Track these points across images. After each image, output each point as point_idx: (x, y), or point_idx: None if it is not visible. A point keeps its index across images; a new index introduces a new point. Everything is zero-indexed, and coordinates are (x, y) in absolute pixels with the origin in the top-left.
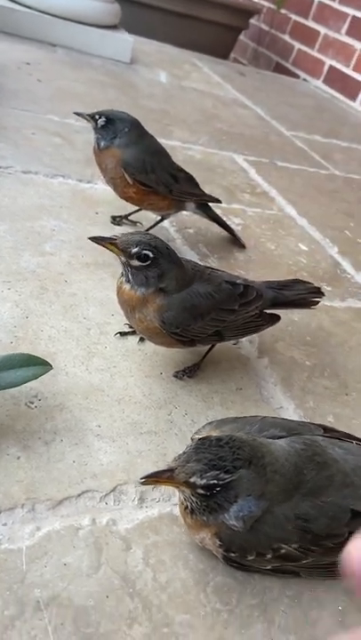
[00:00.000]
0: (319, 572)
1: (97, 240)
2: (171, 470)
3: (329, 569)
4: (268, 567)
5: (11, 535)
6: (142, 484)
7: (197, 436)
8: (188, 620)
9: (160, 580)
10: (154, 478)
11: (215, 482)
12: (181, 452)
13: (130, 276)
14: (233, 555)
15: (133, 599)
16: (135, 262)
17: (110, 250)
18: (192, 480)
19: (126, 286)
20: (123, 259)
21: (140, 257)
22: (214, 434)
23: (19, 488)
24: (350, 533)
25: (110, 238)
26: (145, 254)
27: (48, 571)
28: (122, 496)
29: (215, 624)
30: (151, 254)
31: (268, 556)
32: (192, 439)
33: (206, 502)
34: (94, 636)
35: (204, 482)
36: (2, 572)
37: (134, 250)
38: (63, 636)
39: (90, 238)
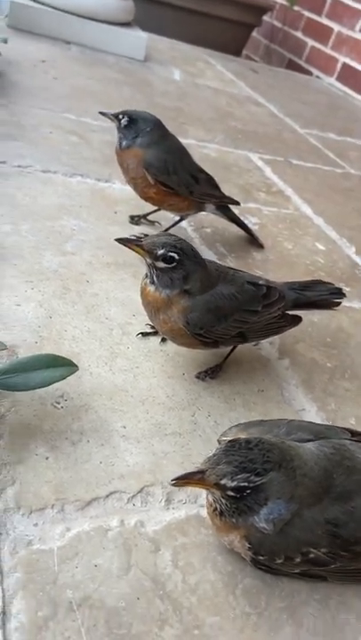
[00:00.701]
0: (347, 577)
1: (123, 242)
2: (201, 472)
3: (357, 574)
4: (297, 571)
5: (42, 536)
6: (173, 485)
7: (224, 439)
8: (218, 623)
9: (189, 582)
10: (185, 480)
11: (246, 484)
12: (211, 454)
13: (155, 278)
14: (262, 558)
15: (164, 601)
16: (161, 264)
17: (136, 251)
18: (223, 482)
19: (151, 288)
20: (148, 260)
21: (165, 259)
22: (242, 436)
23: (48, 488)
24: None
25: (137, 240)
26: (170, 256)
27: (79, 572)
28: (149, 497)
29: (245, 627)
30: (177, 256)
31: (297, 559)
32: (219, 441)
33: (236, 504)
34: (126, 637)
35: (234, 484)
36: (34, 573)
37: (160, 252)
38: (96, 637)
39: (116, 240)
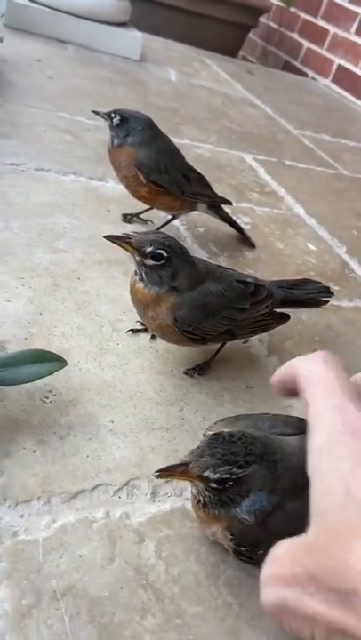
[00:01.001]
0: None
1: (112, 239)
2: (185, 464)
3: None
4: None
5: (27, 526)
6: (157, 477)
7: (210, 432)
8: (200, 612)
9: (172, 572)
10: (168, 472)
11: (228, 476)
12: (195, 447)
13: (143, 275)
14: (243, 549)
15: (147, 591)
16: (149, 261)
17: (125, 248)
18: (205, 474)
19: (140, 285)
20: (137, 257)
21: (154, 256)
22: (226, 430)
23: (34, 481)
24: None
25: (125, 237)
26: (159, 254)
27: (64, 562)
28: (135, 490)
29: (226, 616)
30: (165, 254)
31: None
32: (204, 435)
33: (218, 496)
34: (109, 625)
35: (217, 476)
36: (19, 563)
37: (149, 249)
38: (79, 625)
39: (105, 237)
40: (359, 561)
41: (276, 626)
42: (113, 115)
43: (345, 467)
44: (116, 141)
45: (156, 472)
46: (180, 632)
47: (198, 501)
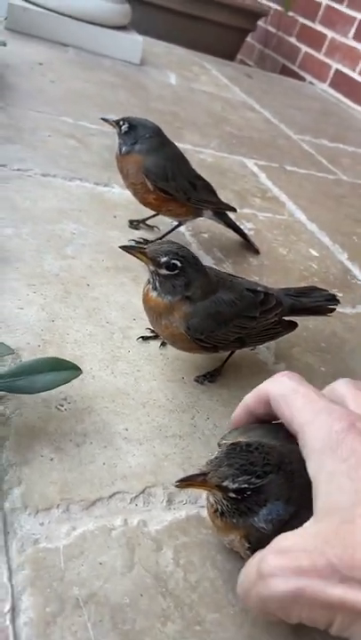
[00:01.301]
0: None
1: (127, 249)
2: (204, 474)
3: None
4: None
5: (48, 534)
6: (177, 487)
7: (224, 442)
8: (218, 619)
9: (190, 579)
10: (188, 482)
11: (247, 486)
12: (212, 456)
13: (157, 284)
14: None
15: (166, 598)
16: (163, 271)
17: (139, 258)
18: (224, 484)
19: (153, 294)
20: (151, 267)
21: (168, 266)
22: (242, 439)
23: (53, 489)
24: None
25: (140, 247)
26: (173, 264)
27: (85, 569)
28: (151, 498)
29: (244, 622)
30: (179, 264)
31: None
32: (219, 444)
33: (237, 505)
34: (131, 632)
35: (236, 486)
36: (42, 570)
37: (163, 259)
38: (102, 632)
39: (120, 247)
40: None
41: (264, 617)
42: (122, 122)
43: (350, 466)
44: (124, 149)
45: (176, 482)
46: (200, 638)
47: (216, 510)
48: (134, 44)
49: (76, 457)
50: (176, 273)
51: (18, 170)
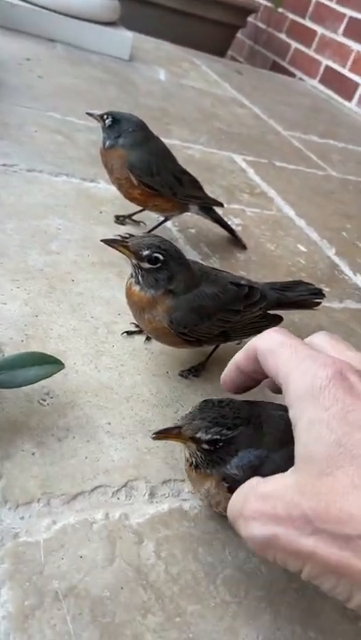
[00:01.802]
0: None
1: (109, 242)
2: (178, 427)
3: None
4: None
5: (28, 528)
6: (154, 438)
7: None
8: (199, 611)
9: (171, 572)
10: (164, 434)
11: (218, 437)
12: (187, 412)
13: (140, 278)
14: None
15: (147, 590)
16: (146, 264)
17: (122, 252)
18: (198, 435)
19: (136, 288)
20: (134, 261)
21: (150, 259)
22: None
23: (34, 483)
24: None
25: (122, 241)
26: (155, 257)
27: (65, 563)
28: (133, 491)
29: (225, 615)
30: (161, 257)
31: None
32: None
33: (210, 456)
34: (111, 625)
35: (208, 437)
36: (21, 564)
37: (145, 252)
38: (82, 625)
39: (102, 240)
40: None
41: (258, 554)
42: (105, 116)
43: (331, 415)
44: (107, 143)
45: (153, 434)
46: (180, 630)
47: (191, 464)
48: (123, 39)
49: (57, 451)
50: (158, 266)
51: (3, 165)
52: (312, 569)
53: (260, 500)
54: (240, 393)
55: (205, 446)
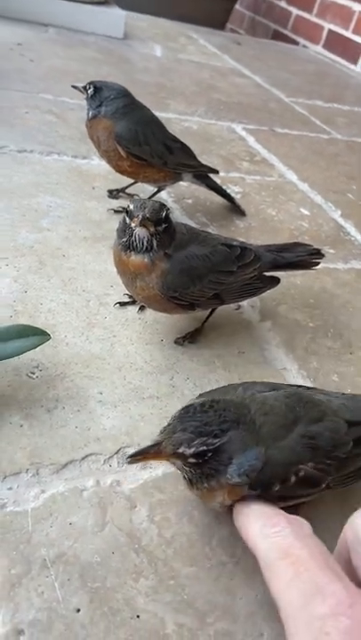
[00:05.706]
0: (345, 480)
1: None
2: (158, 444)
3: (352, 476)
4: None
5: (16, 498)
6: (129, 463)
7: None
8: (194, 572)
9: (165, 535)
10: (142, 455)
11: (205, 448)
12: (166, 424)
13: (154, 243)
14: (259, 491)
15: (139, 554)
16: (160, 228)
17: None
18: (180, 450)
19: (138, 256)
20: (152, 229)
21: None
22: (197, 401)
23: (22, 454)
24: (353, 441)
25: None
26: (167, 216)
27: (54, 530)
28: (126, 458)
29: (220, 575)
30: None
31: (292, 480)
32: None
33: (200, 470)
34: (101, 589)
35: (192, 450)
36: (8, 534)
37: (163, 214)
38: (70, 590)
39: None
40: None
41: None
42: (88, 86)
43: None
44: (90, 113)
45: (128, 457)
46: (174, 592)
47: (186, 480)
48: (116, 18)
49: (46, 422)
50: (167, 226)
51: None
52: None
53: None
54: None
55: (192, 460)
